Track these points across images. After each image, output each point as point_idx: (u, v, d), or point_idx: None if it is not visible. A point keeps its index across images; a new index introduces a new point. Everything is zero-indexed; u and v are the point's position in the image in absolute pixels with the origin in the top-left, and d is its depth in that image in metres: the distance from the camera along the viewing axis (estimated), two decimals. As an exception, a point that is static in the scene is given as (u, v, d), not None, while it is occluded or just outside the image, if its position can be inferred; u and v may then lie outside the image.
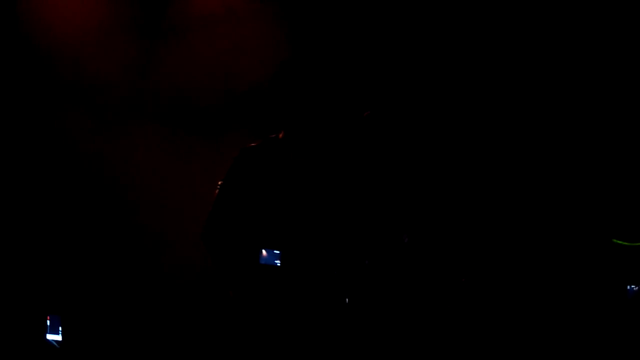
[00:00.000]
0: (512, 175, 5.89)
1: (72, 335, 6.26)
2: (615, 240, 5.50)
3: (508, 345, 5.32)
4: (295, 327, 4.28)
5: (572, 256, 5.60)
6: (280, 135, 4.44)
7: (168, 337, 6.38)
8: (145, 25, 6.50)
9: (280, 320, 4.27)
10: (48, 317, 6.03)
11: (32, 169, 6.45)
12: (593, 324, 5.39)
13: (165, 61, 6.48)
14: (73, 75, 6.45)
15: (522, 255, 5.67)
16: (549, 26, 5.92)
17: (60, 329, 6.09)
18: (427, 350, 4.89)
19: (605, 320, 5.36)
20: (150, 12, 6.52)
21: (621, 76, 5.77)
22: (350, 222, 4.43)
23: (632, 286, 5.20)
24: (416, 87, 6.05)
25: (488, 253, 5.57)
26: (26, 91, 6.44)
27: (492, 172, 5.88)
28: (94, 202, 6.47)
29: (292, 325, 4.27)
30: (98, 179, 6.47)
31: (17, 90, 6.43)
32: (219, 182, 4.42)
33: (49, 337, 6.02)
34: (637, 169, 5.67)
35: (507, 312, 5.37)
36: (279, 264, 4.25)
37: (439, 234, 5.13)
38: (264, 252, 4.25)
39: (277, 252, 4.26)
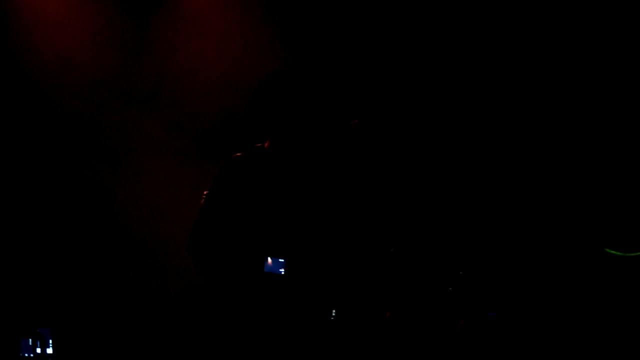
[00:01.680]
0: (504, 183, 5.86)
1: (63, 348, 6.24)
2: (608, 250, 5.47)
3: (501, 349, 5.29)
4: (287, 333, 4.25)
5: (566, 264, 5.57)
6: (266, 145, 4.41)
7: (162, 347, 6.35)
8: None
9: (272, 328, 4.24)
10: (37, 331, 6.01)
11: (23, 174, 6.46)
12: (587, 328, 5.36)
13: (154, 62, 6.50)
14: (63, 75, 6.47)
15: (516, 261, 5.64)
16: (547, 28, 5.90)
17: (50, 342, 6.06)
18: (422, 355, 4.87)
19: (600, 324, 5.34)
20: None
21: (621, 77, 5.74)
22: (338, 231, 4.40)
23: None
24: (403, 96, 6.03)
25: (480, 259, 5.54)
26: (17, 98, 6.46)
27: (482, 180, 5.85)
28: (81, 208, 6.46)
29: (284, 332, 4.25)
30: (85, 185, 6.47)
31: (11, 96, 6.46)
32: (204, 192, 4.39)
33: (39, 351, 6.00)
34: (633, 177, 5.65)
35: (500, 318, 5.34)
36: (282, 273, 4.22)
37: (427, 242, 5.10)
38: (269, 260, 4.22)
39: (282, 260, 4.22)
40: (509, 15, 5.96)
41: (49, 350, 6.03)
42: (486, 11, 5.99)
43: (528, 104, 5.89)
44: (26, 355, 5.92)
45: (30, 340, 5.88)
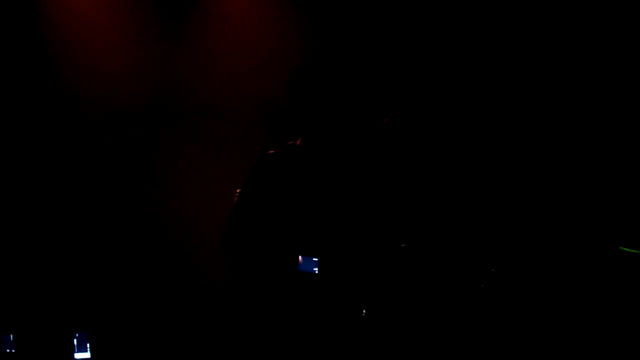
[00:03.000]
0: (523, 184, 5.83)
1: (101, 352, 6.26)
2: (622, 248, 5.41)
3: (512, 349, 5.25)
4: (315, 333, 4.24)
5: (577, 263, 5.52)
6: (298, 142, 4.41)
7: (195, 351, 6.36)
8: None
9: (299, 327, 4.23)
10: (75, 335, 6.03)
11: (55, 177, 6.51)
12: (596, 329, 5.32)
13: (183, 64, 6.53)
14: (91, 78, 6.52)
15: (527, 263, 5.60)
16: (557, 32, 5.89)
17: (88, 346, 6.08)
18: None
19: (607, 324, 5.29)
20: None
21: (621, 77, 5.70)
22: (371, 228, 4.39)
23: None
24: (434, 94, 6.02)
25: (498, 259, 5.52)
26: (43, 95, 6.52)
27: (513, 181, 5.83)
28: (112, 210, 6.51)
29: (312, 332, 4.23)
30: (118, 187, 6.51)
31: (34, 94, 6.51)
32: (237, 190, 4.39)
33: (77, 355, 6.02)
34: None
35: (512, 318, 5.30)
36: (316, 272, 4.20)
37: (454, 239, 5.08)
38: (300, 258, 4.21)
39: (316, 259, 4.21)
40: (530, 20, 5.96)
41: (87, 355, 6.06)
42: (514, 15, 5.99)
43: (552, 106, 5.87)
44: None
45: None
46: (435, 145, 5.61)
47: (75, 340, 6.02)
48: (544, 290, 5.50)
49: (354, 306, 4.27)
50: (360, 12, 6.26)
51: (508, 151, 5.89)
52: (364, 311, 4.30)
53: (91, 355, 6.08)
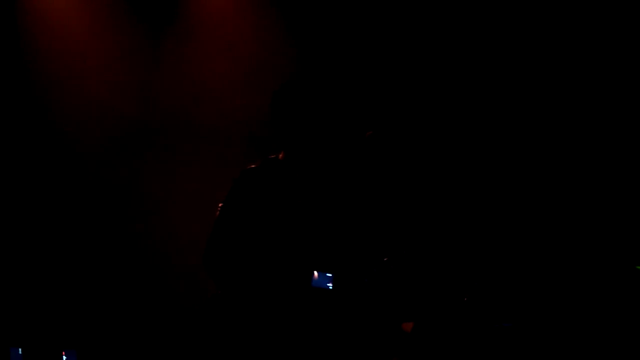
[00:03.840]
0: (512, 195, 5.81)
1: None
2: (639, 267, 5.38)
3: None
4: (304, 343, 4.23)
5: (581, 273, 5.50)
6: (281, 156, 4.40)
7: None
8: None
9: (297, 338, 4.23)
10: (63, 353, 6.01)
11: (40, 196, 6.51)
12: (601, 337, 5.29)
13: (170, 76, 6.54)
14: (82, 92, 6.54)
15: (530, 270, 5.58)
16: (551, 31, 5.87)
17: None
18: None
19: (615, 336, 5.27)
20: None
21: (621, 77, 5.68)
22: (354, 241, 4.38)
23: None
24: (419, 106, 6.01)
25: (495, 269, 5.49)
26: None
27: (499, 190, 5.80)
28: (97, 227, 6.51)
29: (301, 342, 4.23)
30: (105, 195, 6.51)
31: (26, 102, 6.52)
32: (219, 205, 4.38)
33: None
34: None
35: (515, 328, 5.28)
36: (330, 287, 4.19)
37: (443, 250, 5.06)
38: (315, 274, 4.21)
39: (330, 275, 4.20)
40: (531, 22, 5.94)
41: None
42: (504, 20, 5.97)
43: (550, 111, 5.84)
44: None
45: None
46: (418, 157, 5.59)
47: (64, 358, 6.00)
48: (539, 298, 5.48)
49: (341, 316, 4.27)
50: (346, 22, 6.26)
51: (496, 163, 5.86)
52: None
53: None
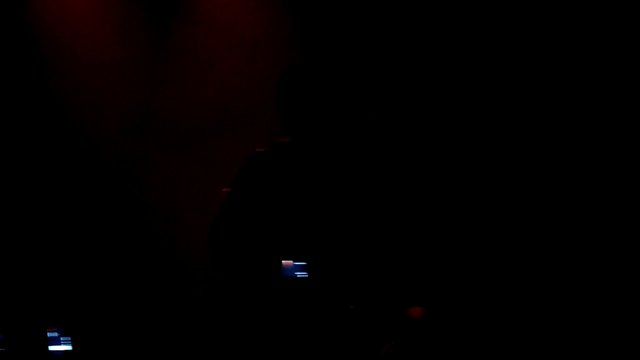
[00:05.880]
0: (516, 182, 5.82)
1: (81, 345, 6.23)
2: None
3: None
4: (305, 333, 4.22)
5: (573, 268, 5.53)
6: (288, 140, 4.37)
7: (178, 346, 6.34)
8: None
9: (287, 328, 4.21)
10: (53, 330, 5.97)
11: (41, 173, 6.47)
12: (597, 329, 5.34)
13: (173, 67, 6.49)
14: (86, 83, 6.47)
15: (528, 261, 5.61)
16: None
17: (69, 339, 6.02)
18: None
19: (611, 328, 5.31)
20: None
21: (621, 77, 5.69)
22: (362, 227, 4.36)
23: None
24: (425, 91, 5.99)
25: (494, 259, 5.52)
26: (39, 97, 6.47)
27: (505, 180, 5.81)
28: (100, 206, 6.47)
29: (300, 332, 4.21)
30: (107, 184, 6.48)
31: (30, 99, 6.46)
32: (223, 190, 4.35)
33: (52, 348, 5.96)
34: None
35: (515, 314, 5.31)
36: (300, 276, 4.18)
37: (445, 237, 5.08)
38: (284, 263, 4.18)
39: (301, 263, 4.18)
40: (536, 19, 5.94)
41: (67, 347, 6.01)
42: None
43: (556, 108, 5.85)
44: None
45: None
46: (425, 142, 5.59)
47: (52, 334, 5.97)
48: (540, 293, 5.50)
49: (343, 305, 4.26)
50: (352, 12, 6.22)
51: (500, 150, 5.86)
52: (351, 307, 4.29)
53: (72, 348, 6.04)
